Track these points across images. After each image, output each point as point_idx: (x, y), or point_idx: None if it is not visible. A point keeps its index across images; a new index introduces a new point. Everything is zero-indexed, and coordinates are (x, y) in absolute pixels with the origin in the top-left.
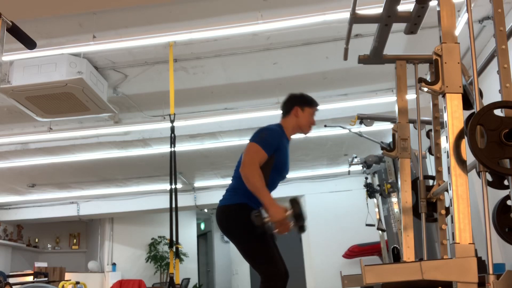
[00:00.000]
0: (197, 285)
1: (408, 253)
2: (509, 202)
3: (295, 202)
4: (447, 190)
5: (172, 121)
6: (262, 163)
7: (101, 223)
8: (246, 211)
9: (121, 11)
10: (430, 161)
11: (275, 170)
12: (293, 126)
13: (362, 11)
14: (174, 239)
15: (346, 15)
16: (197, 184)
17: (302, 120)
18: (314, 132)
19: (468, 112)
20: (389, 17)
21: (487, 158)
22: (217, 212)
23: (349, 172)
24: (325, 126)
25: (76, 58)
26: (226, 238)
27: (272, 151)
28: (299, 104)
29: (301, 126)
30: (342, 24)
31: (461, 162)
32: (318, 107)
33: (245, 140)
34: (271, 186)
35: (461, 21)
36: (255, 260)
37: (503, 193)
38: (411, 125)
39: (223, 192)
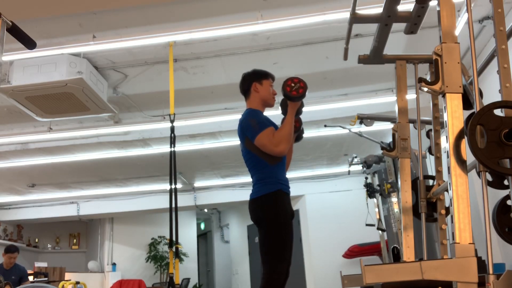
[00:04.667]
0: (197, 285)
1: (408, 253)
2: (509, 202)
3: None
4: (447, 190)
5: (172, 121)
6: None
7: (101, 223)
8: (277, 198)
9: (121, 11)
10: (430, 161)
11: None
12: (258, 102)
13: (362, 11)
14: (174, 239)
15: (346, 15)
16: (197, 184)
17: (263, 93)
18: (314, 132)
19: (468, 112)
20: (389, 17)
21: (487, 158)
22: (249, 206)
23: (349, 172)
24: (325, 126)
25: (76, 58)
26: (226, 238)
27: (269, 123)
28: (255, 80)
29: (265, 99)
30: (342, 24)
31: (461, 162)
32: (274, 78)
33: None
34: (283, 160)
35: (461, 21)
36: (268, 253)
37: (503, 193)
38: (411, 125)
39: (223, 192)
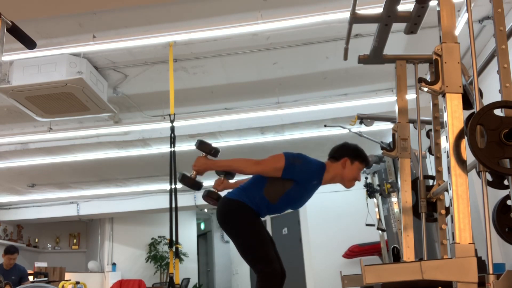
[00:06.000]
0: (197, 285)
1: (408, 253)
2: (509, 202)
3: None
4: (447, 190)
5: (172, 121)
6: (268, 175)
7: (101, 223)
8: (247, 210)
9: (121, 11)
10: (430, 161)
11: (286, 198)
12: (335, 174)
13: (362, 11)
14: (174, 239)
15: (346, 15)
16: None
17: (347, 173)
18: (314, 132)
19: (468, 112)
20: (389, 17)
21: (487, 158)
22: (219, 203)
23: None
24: (325, 126)
25: (76, 58)
26: (226, 238)
27: (289, 177)
28: (350, 156)
29: (344, 178)
30: (342, 24)
31: (461, 162)
32: (369, 166)
33: (245, 140)
34: (276, 210)
35: (461, 21)
36: (250, 258)
37: (503, 193)
38: (411, 125)
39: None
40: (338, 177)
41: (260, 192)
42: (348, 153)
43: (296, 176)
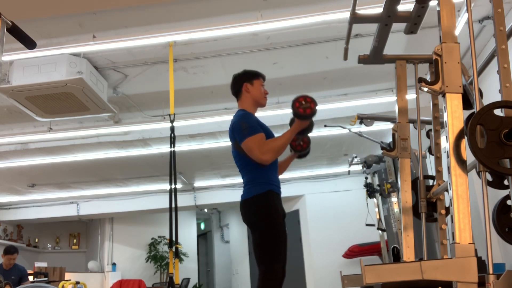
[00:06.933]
0: (197, 285)
1: (408, 253)
2: (509, 202)
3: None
4: (447, 190)
5: (172, 121)
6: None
7: (101, 223)
8: (269, 199)
9: (121, 11)
10: (430, 161)
11: (267, 136)
12: (249, 102)
13: (362, 11)
14: (174, 239)
15: (346, 15)
16: (197, 184)
17: (255, 93)
18: (314, 132)
19: (468, 112)
20: (389, 17)
21: (487, 158)
22: (240, 207)
23: (349, 172)
24: (325, 126)
25: (76, 58)
26: (226, 238)
27: (260, 128)
28: (246, 80)
29: (256, 99)
30: (342, 24)
31: (461, 162)
32: (265, 77)
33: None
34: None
35: (461, 21)
36: (263, 254)
37: (503, 193)
38: (411, 125)
39: (223, 192)
40: (253, 102)
41: (258, 169)
42: (243, 80)
43: (256, 122)
